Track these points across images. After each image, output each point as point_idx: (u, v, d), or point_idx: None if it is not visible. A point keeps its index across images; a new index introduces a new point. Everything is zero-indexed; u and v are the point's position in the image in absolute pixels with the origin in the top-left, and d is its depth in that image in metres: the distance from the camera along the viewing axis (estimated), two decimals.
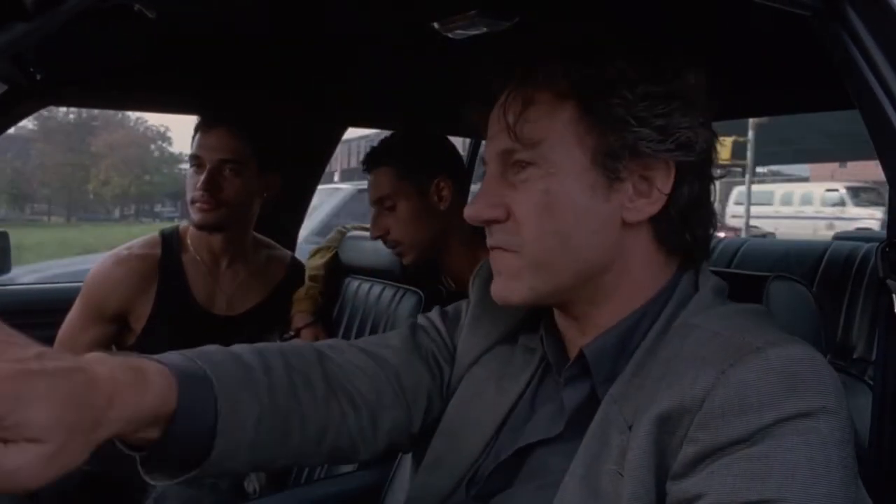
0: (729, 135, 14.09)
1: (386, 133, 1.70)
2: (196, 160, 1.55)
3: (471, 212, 0.73)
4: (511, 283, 0.73)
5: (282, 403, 0.72)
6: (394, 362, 0.84)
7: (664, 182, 0.70)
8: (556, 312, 0.78)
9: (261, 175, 1.60)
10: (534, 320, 0.83)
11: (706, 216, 0.75)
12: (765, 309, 0.74)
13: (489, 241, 0.74)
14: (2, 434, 0.47)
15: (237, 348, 0.75)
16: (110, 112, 33.64)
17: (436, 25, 1.22)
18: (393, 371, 0.83)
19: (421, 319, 0.91)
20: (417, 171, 1.53)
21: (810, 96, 1.66)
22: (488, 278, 0.84)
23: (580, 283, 0.72)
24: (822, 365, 0.61)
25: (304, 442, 0.75)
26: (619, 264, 0.72)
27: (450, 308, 0.93)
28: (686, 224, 0.72)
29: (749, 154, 15.22)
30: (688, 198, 0.71)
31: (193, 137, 1.58)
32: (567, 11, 1.14)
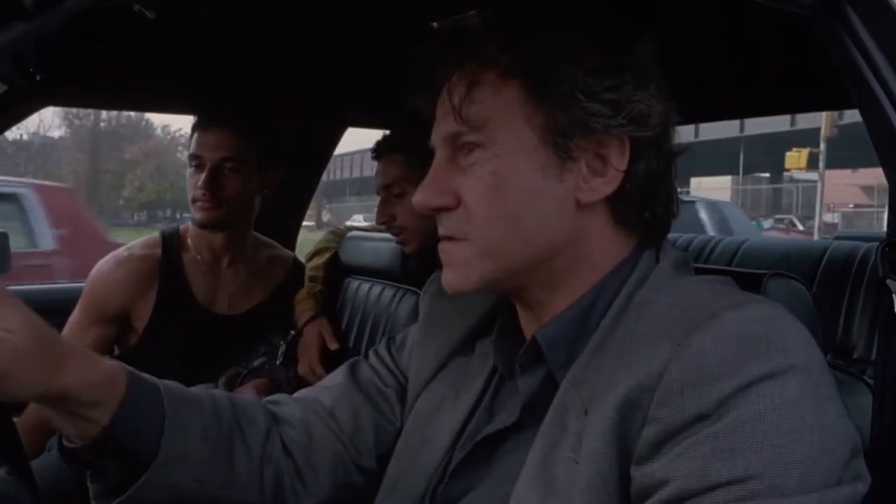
0: (804, 147, 15.90)
1: None
2: (196, 159, 1.55)
3: (419, 199, 0.70)
4: (461, 272, 0.69)
5: (225, 427, 0.75)
6: (325, 400, 0.84)
7: (619, 159, 0.66)
8: (516, 304, 0.75)
9: (260, 172, 1.60)
10: (490, 323, 0.79)
11: (667, 192, 0.71)
12: (728, 279, 0.70)
13: (440, 231, 0.71)
14: None
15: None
16: (135, 120, 34.09)
17: (435, 26, 1.22)
18: (324, 409, 0.83)
19: (369, 354, 0.91)
20: (428, 160, 1.52)
21: (810, 96, 1.66)
22: (438, 291, 0.84)
23: (534, 268, 0.68)
24: (786, 321, 0.58)
25: (248, 469, 0.76)
26: (575, 246, 0.68)
27: (398, 335, 0.91)
28: (645, 201, 0.69)
29: (821, 164, 16.43)
30: (645, 174, 0.68)
31: (191, 137, 1.58)
32: (566, 12, 1.14)
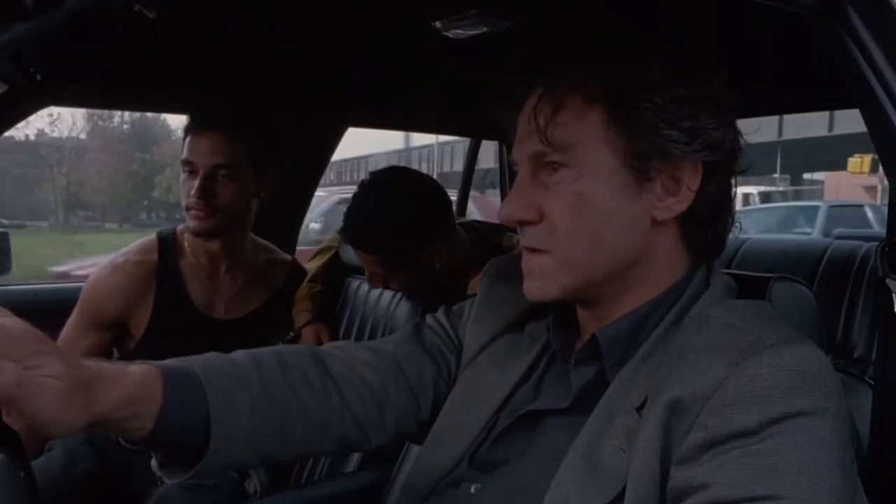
0: (868, 153, 16.30)
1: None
2: (189, 166, 1.51)
3: (505, 213, 0.76)
4: (544, 283, 0.75)
5: (276, 393, 0.77)
6: (396, 354, 0.89)
7: (692, 180, 0.72)
8: (577, 303, 0.80)
9: (256, 176, 1.57)
10: (541, 309, 0.85)
11: (728, 212, 0.77)
12: (769, 305, 0.76)
13: (522, 242, 0.76)
14: (27, 370, 0.59)
15: (233, 353, 0.81)
16: (152, 121, 34.31)
17: (436, 25, 1.22)
18: (395, 362, 0.88)
19: (427, 319, 0.96)
20: (406, 257, 1.47)
21: (810, 96, 1.66)
22: (496, 275, 0.92)
23: (609, 279, 0.74)
24: (828, 367, 0.63)
25: (307, 432, 0.80)
26: (646, 260, 0.74)
27: (454, 307, 0.97)
28: (711, 221, 0.75)
29: (881, 167, 17.12)
30: (715, 195, 0.74)
31: (183, 141, 1.54)
32: (566, 12, 1.14)
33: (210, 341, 1.56)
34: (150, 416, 0.68)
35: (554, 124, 0.71)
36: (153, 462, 0.72)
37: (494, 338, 0.88)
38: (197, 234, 1.55)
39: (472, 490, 0.78)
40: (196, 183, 1.48)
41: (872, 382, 0.88)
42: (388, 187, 1.49)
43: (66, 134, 32.74)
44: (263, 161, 1.57)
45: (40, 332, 0.62)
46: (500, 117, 0.80)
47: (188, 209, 1.52)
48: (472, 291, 1.59)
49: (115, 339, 1.61)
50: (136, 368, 0.69)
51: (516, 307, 0.88)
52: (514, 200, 0.75)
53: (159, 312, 1.58)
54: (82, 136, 33.92)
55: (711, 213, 0.74)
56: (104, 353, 1.60)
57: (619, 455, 0.65)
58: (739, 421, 0.59)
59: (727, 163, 0.74)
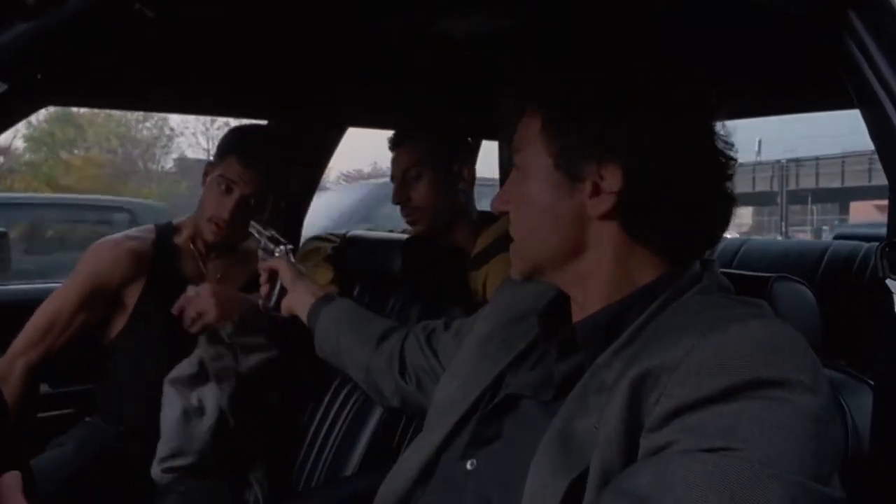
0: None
1: None
2: (228, 183, 1.60)
3: (493, 204, 0.88)
4: (512, 262, 0.87)
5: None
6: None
7: (612, 182, 0.75)
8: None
9: (272, 203, 1.69)
10: (548, 307, 0.90)
11: (688, 213, 0.77)
12: (763, 303, 0.75)
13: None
14: None
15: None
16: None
17: (436, 25, 1.22)
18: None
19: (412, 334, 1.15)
20: (446, 151, 1.72)
21: (811, 96, 1.66)
22: (507, 279, 1.02)
23: (557, 265, 0.82)
24: (802, 345, 0.63)
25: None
26: (592, 252, 0.80)
27: (453, 323, 1.13)
28: (652, 219, 0.76)
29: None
30: (646, 195, 0.75)
31: (223, 157, 1.62)
32: (566, 12, 1.14)
33: None
34: None
35: (515, 131, 0.82)
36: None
37: (501, 327, 0.95)
38: (213, 245, 1.66)
39: (469, 466, 0.81)
40: (232, 205, 1.60)
41: (872, 382, 0.88)
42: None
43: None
44: (279, 193, 1.70)
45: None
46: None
47: (210, 220, 1.61)
48: (474, 286, 1.61)
49: (105, 317, 1.61)
50: None
51: (522, 305, 0.94)
52: (499, 195, 0.87)
53: (152, 288, 1.61)
54: None
55: (648, 211, 0.76)
56: (92, 330, 1.59)
57: (592, 433, 0.67)
58: (705, 388, 0.60)
59: (658, 163, 0.75)
